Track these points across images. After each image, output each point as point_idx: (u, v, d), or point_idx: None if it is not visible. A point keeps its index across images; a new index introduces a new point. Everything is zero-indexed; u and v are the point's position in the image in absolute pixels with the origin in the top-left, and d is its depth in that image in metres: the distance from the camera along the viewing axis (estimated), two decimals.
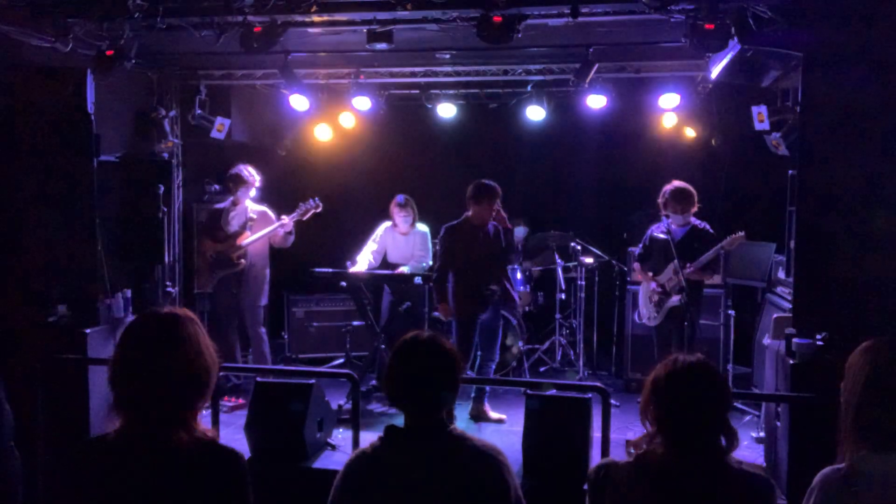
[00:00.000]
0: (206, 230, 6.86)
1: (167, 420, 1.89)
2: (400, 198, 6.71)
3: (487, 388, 6.04)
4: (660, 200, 5.75)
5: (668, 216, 5.73)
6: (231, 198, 6.73)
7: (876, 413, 2.04)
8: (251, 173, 6.63)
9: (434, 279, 6.04)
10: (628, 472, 2.11)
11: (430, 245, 6.87)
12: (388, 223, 6.83)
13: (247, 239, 6.50)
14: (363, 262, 6.67)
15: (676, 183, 5.72)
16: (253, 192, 6.71)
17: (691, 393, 2.06)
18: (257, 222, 6.55)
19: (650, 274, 5.89)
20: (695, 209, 5.72)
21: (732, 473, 2.05)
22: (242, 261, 6.53)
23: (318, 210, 6.54)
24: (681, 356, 2.16)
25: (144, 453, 1.88)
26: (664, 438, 2.07)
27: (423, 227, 6.84)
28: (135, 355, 1.93)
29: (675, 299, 5.64)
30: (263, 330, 6.75)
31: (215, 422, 4.74)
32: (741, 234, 5.53)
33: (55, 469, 2.02)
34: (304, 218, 6.55)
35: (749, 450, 5.33)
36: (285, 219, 6.50)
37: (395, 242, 6.82)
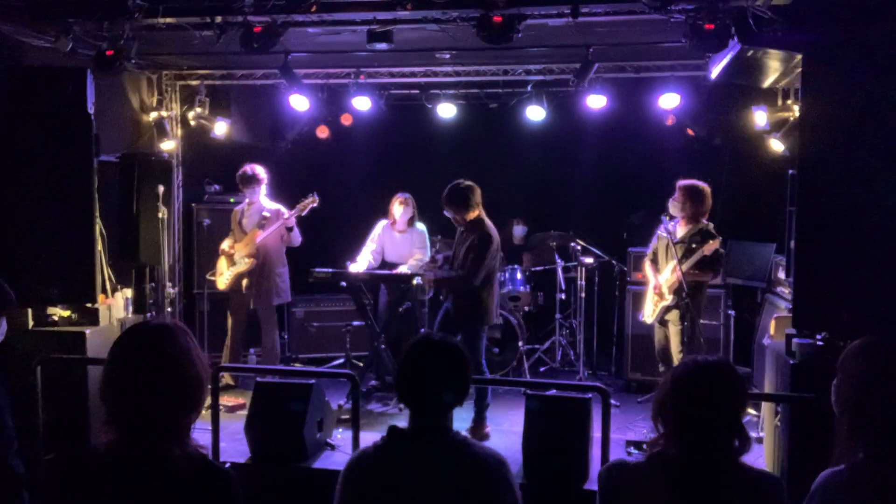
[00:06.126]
0: (229, 231, 6.84)
1: (159, 434, 1.86)
2: (402, 195, 6.74)
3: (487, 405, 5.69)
4: (670, 200, 5.68)
5: (681, 214, 5.70)
6: (247, 199, 6.71)
7: (874, 416, 2.01)
8: (257, 171, 6.57)
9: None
10: (641, 472, 2.09)
11: (428, 243, 6.88)
12: (384, 221, 6.83)
13: (259, 236, 6.49)
14: (363, 262, 6.67)
15: (692, 181, 5.64)
16: (265, 189, 6.65)
17: (713, 393, 2.04)
18: (270, 220, 6.51)
19: (656, 272, 5.87)
20: (703, 212, 5.65)
21: (744, 473, 2.04)
22: (253, 259, 6.51)
23: (315, 204, 6.47)
24: (700, 356, 2.13)
25: (135, 468, 1.84)
26: (678, 438, 2.04)
27: (420, 226, 6.84)
28: (125, 368, 1.89)
29: (670, 298, 5.63)
30: (276, 337, 6.69)
31: (215, 422, 4.74)
32: (717, 239, 5.51)
33: (44, 481, 1.97)
34: (304, 213, 6.52)
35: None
36: (286, 214, 6.47)
37: (392, 240, 6.82)
